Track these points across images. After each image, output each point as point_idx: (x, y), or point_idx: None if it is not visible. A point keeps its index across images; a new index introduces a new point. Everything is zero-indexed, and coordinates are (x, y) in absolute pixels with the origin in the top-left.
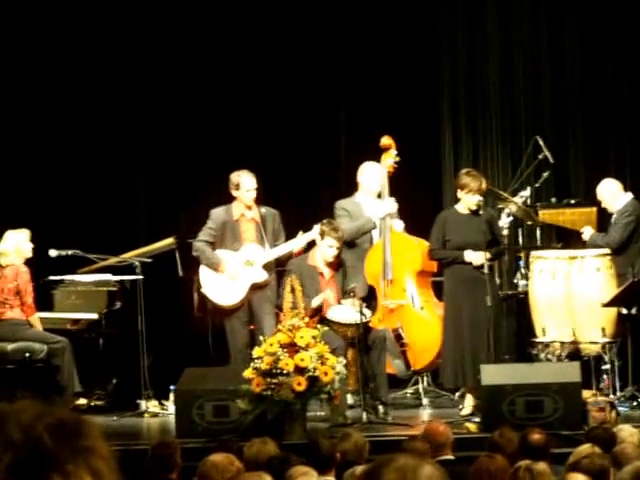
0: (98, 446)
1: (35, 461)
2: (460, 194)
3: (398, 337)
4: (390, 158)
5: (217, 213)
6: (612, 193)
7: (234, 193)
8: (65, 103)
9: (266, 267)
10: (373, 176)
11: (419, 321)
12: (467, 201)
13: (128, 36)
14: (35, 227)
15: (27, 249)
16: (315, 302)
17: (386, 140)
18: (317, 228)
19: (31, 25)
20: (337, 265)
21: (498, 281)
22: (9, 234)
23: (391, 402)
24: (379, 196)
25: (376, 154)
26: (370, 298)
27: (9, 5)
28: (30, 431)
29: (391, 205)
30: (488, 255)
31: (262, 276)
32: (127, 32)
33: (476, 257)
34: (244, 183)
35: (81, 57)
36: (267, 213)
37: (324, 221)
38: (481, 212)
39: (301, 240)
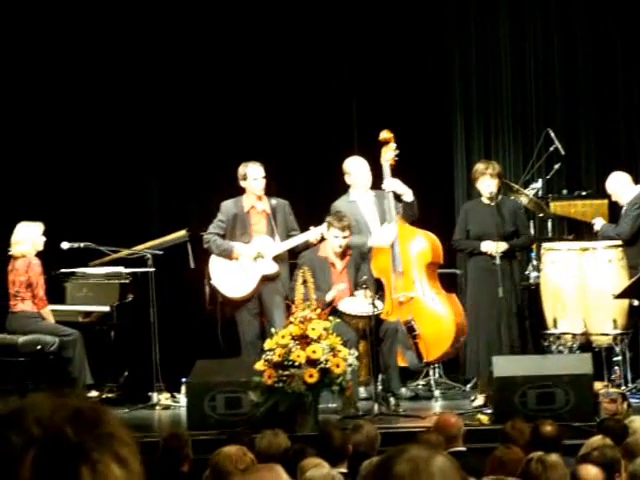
0: (119, 432)
1: (60, 454)
2: (477, 184)
3: (410, 329)
4: (390, 152)
5: (227, 205)
6: (622, 186)
7: (242, 184)
8: (78, 97)
9: (278, 259)
10: (361, 171)
11: (430, 313)
12: (483, 189)
13: (140, 31)
14: (47, 219)
15: (39, 242)
16: (329, 296)
17: (385, 134)
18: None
19: (48, 22)
20: (348, 255)
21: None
22: (22, 225)
23: (404, 394)
24: (378, 188)
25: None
26: (377, 291)
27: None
28: (49, 425)
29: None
30: (504, 245)
31: (272, 268)
32: (140, 27)
33: (490, 247)
34: (250, 172)
35: (93, 52)
36: (277, 204)
37: (331, 212)
38: (497, 201)
39: (312, 233)
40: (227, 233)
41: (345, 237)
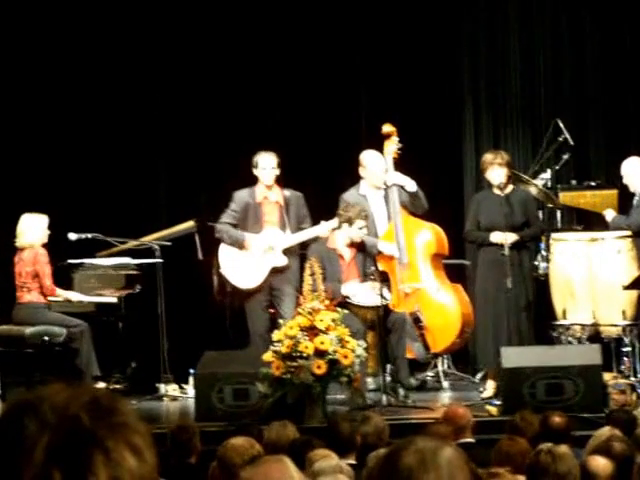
0: (134, 422)
1: (74, 440)
2: (486, 175)
3: (417, 320)
4: (393, 145)
5: (240, 195)
6: (636, 171)
7: (254, 172)
8: (84, 87)
9: (288, 252)
10: (377, 169)
11: (436, 304)
12: (492, 179)
13: (149, 19)
14: (55, 210)
15: (44, 234)
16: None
17: (388, 127)
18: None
19: (51, 14)
20: (358, 246)
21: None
22: (26, 217)
23: (413, 385)
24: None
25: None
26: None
27: None
28: (65, 412)
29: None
30: (513, 236)
31: (282, 261)
32: (149, 16)
33: (499, 238)
34: (261, 161)
35: (100, 42)
36: (291, 196)
37: (345, 206)
38: (507, 191)
39: (323, 228)
40: (239, 223)
41: (367, 226)
